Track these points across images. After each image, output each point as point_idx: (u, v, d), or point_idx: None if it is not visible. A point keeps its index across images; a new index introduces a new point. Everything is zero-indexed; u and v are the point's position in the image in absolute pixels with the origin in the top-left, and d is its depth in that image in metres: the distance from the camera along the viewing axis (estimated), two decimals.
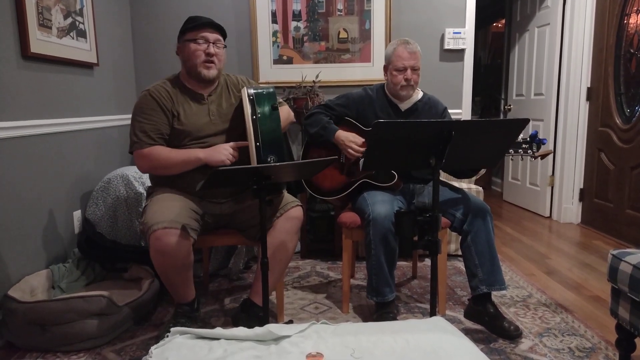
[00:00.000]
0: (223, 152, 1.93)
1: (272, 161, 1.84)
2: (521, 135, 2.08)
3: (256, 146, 1.85)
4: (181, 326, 1.63)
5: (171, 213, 1.82)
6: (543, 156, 2.12)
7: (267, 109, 1.89)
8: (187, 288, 1.94)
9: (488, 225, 2.10)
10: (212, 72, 2.01)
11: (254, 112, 1.87)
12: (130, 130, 1.99)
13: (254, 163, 1.86)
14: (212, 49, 1.98)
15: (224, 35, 2.06)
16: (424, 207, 2.26)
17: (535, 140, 2.08)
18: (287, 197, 2.10)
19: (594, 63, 3.86)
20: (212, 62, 2.00)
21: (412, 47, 2.23)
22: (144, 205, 2.08)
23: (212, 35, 1.99)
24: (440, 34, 3.46)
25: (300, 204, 2.08)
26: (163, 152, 1.95)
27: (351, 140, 2.27)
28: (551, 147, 4.14)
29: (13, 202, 2.10)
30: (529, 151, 2.08)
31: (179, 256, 1.81)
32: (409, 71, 2.23)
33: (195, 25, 1.98)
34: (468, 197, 2.18)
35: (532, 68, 4.48)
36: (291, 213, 2.02)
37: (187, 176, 1.98)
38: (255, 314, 2.00)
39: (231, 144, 1.98)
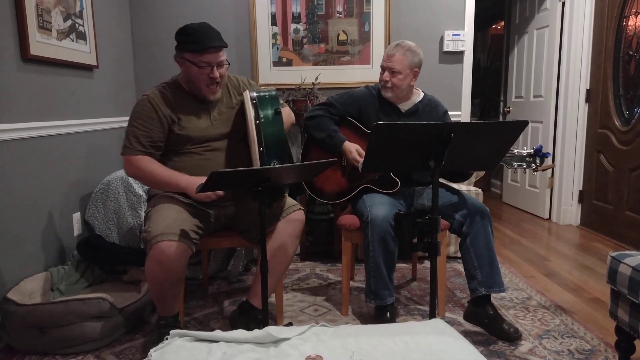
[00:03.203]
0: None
1: (275, 165, 1.83)
2: (525, 149, 2.10)
3: (259, 151, 1.84)
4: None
5: (176, 223, 1.81)
6: (544, 169, 2.14)
7: (270, 112, 1.87)
8: (174, 302, 1.91)
9: (487, 228, 2.10)
10: (217, 95, 2.01)
11: (257, 117, 1.85)
12: (125, 133, 1.97)
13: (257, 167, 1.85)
14: (216, 73, 1.91)
15: (226, 46, 1.97)
16: (424, 209, 2.27)
17: (539, 154, 2.08)
18: (289, 200, 2.09)
19: (593, 65, 3.87)
20: (217, 83, 1.96)
21: (393, 50, 2.24)
22: (144, 209, 2.07)
23: (216, 59, 1.90)
24: (439, 36, 3.47)
25: (302, 207, 2.08)
26: (149, 166, 1.92)
27: (356, 151, 2.28)
28: (551, 150, 4.15)
29: (12, 204, 2.10)
30: (532, 165, 2.08)
31: (177, 270, 1.80)
32: (385, 73, 2.26)
33: (197, 50, 1.87)
34: (467, 199, 2.19)
35: (532, 70, 4.48)
36: (293, 216, 2.02)
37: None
38: (254, 316, 2.00)
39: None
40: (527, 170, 2.10)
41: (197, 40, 1.87)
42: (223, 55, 1.94)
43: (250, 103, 1.88)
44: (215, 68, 1.90)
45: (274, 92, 1.95)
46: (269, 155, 1.84)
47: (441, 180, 2.41)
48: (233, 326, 2.01)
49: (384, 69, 2.26)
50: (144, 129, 1.93)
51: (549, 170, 4.19)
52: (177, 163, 1.99)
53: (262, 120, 1.85)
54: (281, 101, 2.16)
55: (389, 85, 2.26)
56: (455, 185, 2.80)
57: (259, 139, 1.84)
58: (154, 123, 1.93)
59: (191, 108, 2.00)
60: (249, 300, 2.05)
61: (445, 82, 3.50)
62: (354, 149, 2.28)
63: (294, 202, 2.10)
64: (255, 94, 1.91)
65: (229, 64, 1.99)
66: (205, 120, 2.02)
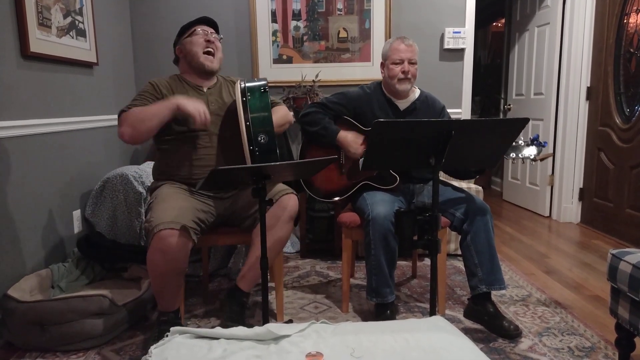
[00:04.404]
0: (198, 103, 1.93)
1: (262, 140, 1.88)
2: (522, 139, 2.08)
3: (246, 125, 1.89)
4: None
5: (177, 213, 1.84)
6: (543, 159, 2.12)
7: (256, 92, 1.96)
8: (175, 296, 1.92)
9: (488, 225, 2.10)
10: (214, 65, 2.13)
11: (244, 95, 1.94)
12: None
13: (245, 142, 1.88)
14: (210, 37, 2.12)
15: (217, 31, 2.19)
16: (424, 206, 2.25)
17: (535, 144, 2.07)
18: (280, 185, 2.12)
19: (593, 62, 3.86)
20: (212, 52, 2.12)
21: (409, 41, 2.28)
22: (148, 201, 2.09)
23: (208, 28, 2.14)
24: (440, 34, 3.46)
25: (294, 192, 2.10)
26: (140, 108, 1.96)
27: (353, 140, 2.28)
28: (551, 147, 4.15)
29: (12, 201, 2.10)
30: (530, 154, 2.06)
31: (178, 258, 1.81)
32: (406, 63, 2.25)
33: (190, 23, 2.13)
34: (468, 196, 2.18)
35: (532, 67, 4.48)
36: (282, 201, 2.04)
37: (188, 172, 2.03)
38: (239, 298, 2.02)
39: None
40: (526, 160, 2.07)
41: (189, 23, 2.15)
42: (214, 32, 2.17)
43: (239, 87, 1.96)
44: (210, 33, 2.13)
45: (263, 82, 2.00)
46: (256, 129, 1.90)
47: (442, 177, 2.41)
48: (225, 316, 2.03)
49: (401, 61, 2.26)
50: (142, 100, 2.03)
51: (549, 168, 4.19)
52: (172, 146, 2.05)
53: (249, 97, 1.94)
54: (278, 99, 2.28)
55: (409, 76, 2.26)
56: (455, 183, 2.80)
57: (246, 114, 1.91)
58: (152, 95, 2.05)
59: (189, 93, 2.11)
60: (237, 284, 2.06)
61: (446, 79, 3.49)
62: (351, 138, 2.28)
63: (285, 187, 2.12)
64: (244, 83, 1.99)
65: (221, 38, 2.19)
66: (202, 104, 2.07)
